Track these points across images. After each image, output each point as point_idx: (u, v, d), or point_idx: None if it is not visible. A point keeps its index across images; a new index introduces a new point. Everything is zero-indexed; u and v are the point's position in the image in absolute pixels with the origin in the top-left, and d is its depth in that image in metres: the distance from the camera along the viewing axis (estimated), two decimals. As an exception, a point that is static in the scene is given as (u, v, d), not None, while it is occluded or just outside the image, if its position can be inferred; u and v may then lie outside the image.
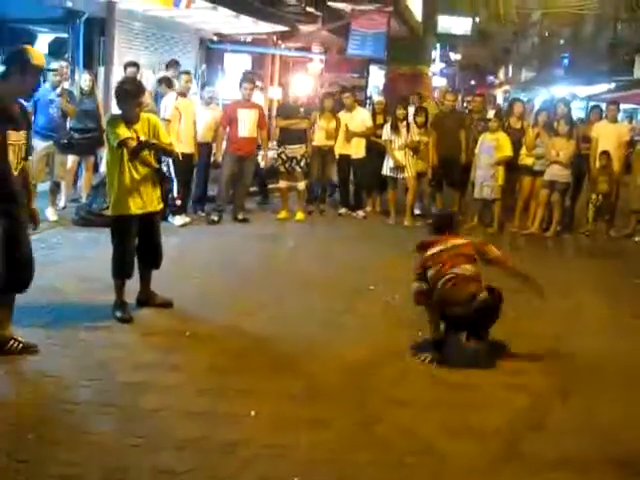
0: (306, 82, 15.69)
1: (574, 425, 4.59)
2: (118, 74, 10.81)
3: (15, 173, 4.93)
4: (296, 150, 10.59)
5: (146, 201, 6.06)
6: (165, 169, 9.36)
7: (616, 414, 4.78)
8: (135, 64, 10.60)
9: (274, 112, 13.87)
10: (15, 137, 4.90)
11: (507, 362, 5.59)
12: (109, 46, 11.55)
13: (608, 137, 10.91)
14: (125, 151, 5.82)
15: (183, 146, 9.73)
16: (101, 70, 11.75)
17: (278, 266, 8.08)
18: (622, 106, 15.89)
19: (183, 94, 9.98)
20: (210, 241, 9.27)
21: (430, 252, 5.76)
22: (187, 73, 10.41)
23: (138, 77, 10.07)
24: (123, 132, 5.79)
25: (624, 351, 6.02)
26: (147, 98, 9.05)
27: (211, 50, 16.16)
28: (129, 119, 5.95)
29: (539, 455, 4.18)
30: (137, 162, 5.90)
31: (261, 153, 10.83)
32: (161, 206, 6.36)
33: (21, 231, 5.00)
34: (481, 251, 5.84)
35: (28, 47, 5.18)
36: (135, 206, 5.98)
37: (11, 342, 5.10)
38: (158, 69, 12.84)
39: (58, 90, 9.54)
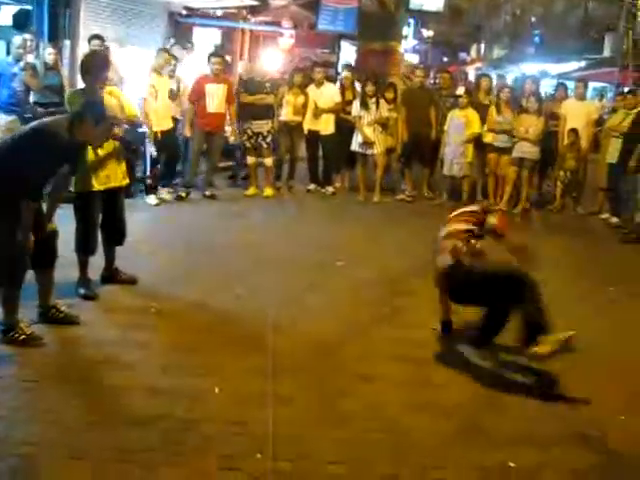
0: (276, 57, 15.59)
1: (535, 401, 4.62)
2: (84, 48, 10.60)
3: None
4: (262, 125, 10.52)
5: (110, 176, 5.97)
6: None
7: (577, 389, 4.81)
8: (100, 37, 10.34)
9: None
10: None
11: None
12: (74, 19, 11.32)
13: (576, 115, 10.95)
14: None
15: (163, 123, 9.67)
16: (67, 43, 11.51)
17: (245, 242, 8.02)
18: (592, 84, 16.04)
19: (158, 71, 9.85)
20: (177, 217, 9.20)
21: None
22: (165, 51, 10.27)
23: (104, 50, 9.89)
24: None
25: (586, 327, 6.05)
26: (112, 73, 8.96)
27: (180, 24, 15.92)
28: (92, 94, 5.84)
29: (500, 430, 4.21)
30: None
31: (229, 128, 10.71)
32: (126, 181, 6.28)
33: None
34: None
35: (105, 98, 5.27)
36: (98, 182, 5.89)
37: (52, 310, 5.28)
38: (125, 42, 12.63)
39: (22, 64, 9.36)
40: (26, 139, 4.88)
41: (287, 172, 11.57)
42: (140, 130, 9.19)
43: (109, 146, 5.90)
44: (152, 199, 9.67)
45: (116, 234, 6.20)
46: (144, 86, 9.70)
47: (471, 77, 33.64)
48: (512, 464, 3.85)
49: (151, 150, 9.71)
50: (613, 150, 10.31)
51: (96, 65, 5.99)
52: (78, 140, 5.00)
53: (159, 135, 9.65)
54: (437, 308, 5.62)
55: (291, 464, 3.72)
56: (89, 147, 5.54)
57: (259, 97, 10.50)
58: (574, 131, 10.78)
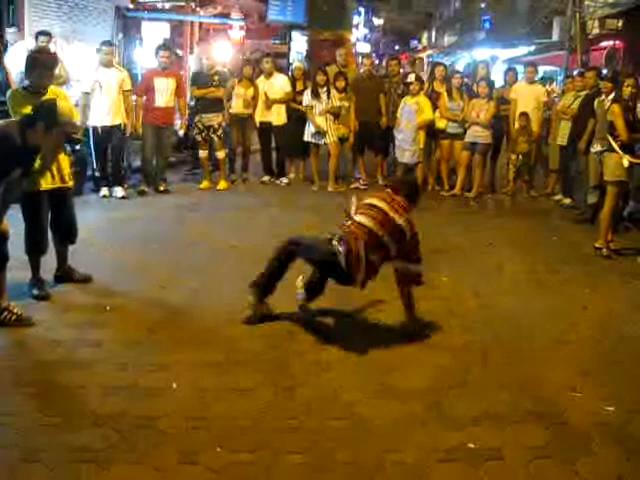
0: (226, 49, 15.48)
1: (493, 381, 4.67)
2: (29, 43, 10.41)
3: None
4: (212, 119, 10.47)
5: (56, 176, 5.87)
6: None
7: (532, 368, 4.89)
8: (47, 33, 10.20)
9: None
10: None
11: (427, 320, 5.65)
12: (19, 13, 11.12)
13: (526, 98, 11.08)
14: None
15: (106, 118, 9.56)
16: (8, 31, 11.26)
17: (199, 236, 7.97)
18: (542, 68, 16.20)
19: (105, 65, 9.73)
20: (130, 213, 9.09)
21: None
22: (107, 45, 10.12)
23: (52, 47, 9.73)
24: (26, 110, 5.53)
25: (541, 307, 6.17)
26: (61, 70, 8.82)
27: (128, 18, 15.72)
28: (36, 92, 5.73)
29: (460, 412, 4.24)
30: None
31: (178, 122, 10.64)
32: (72, 182, 6.18)
33: None
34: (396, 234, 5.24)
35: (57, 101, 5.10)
36: (45, 182, 5.79)
37: (5, 313, 5.18)
38: (72, 39, 12.43)
39: (-38, 59, 9.16)
40: None
41: (240, 164, 11.51)
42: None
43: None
44: (102, 191, 9.71)
45: (67, 233, 6.11)
46: (87, 81, 9.59)
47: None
48: (471, 444, 3.88)
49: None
50: (563, 133, 10.44)
51: (44, 62, 5.89)
52: (30, 144, 4.92)
53: (99, 130, 9.53)
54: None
55: (251, 455, 3.70)
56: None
57: (208, 90, 10.44)
58: (525, 114, 10.90)
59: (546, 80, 19.29)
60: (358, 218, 5.26)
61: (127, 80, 9.92)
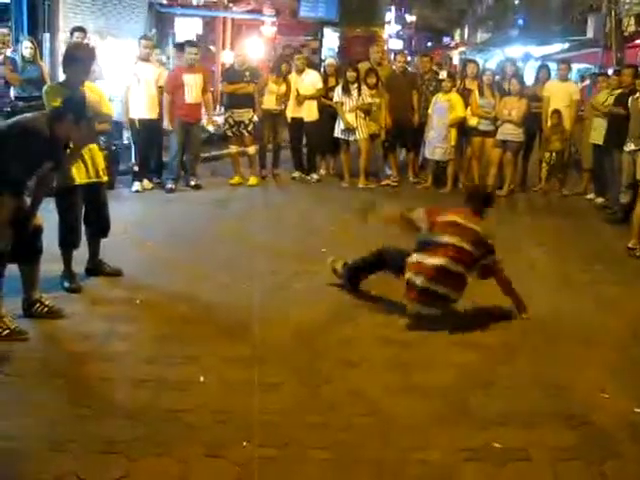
0: (258, 46, 15.54)
1: (520, 381, 4.64)
2: (64, 40, 10.54)
3: None
4: (243, 114, 10.50)
5: (91, 171, 5.94)
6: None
7: (561, 369, 4.85)
8: (82, 29, 10.31)
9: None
10: None
11: (457, 319, 5.64)
12: (54, 11, 11.22)
13: (559, 96, 10.95)
14: None
15: (143, 112, 9.69)
16: (46, 37, 11.42)
17: (230, 232, 8.01)
18: (576, 66, 16.01)
19: (143, 59, 9.87)
20: (162, 208, 9.18)
21: (440, 219, 5.77)
22: (146, 38, 10.25)
23: (88, 43, 9.85)
24: (56, 103, 5.60)
25: (571, 307, 6.10)
26: (95, 66, 8.92)
27: (161, 14, 15.83)
28: (73, 87, 5.79)
29: (486, 411, 4.22)
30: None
31: (206, 118, 10.69)
32: (106, 178, 6.25)
33: None
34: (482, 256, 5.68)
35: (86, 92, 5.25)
36: (80, 176, 5.86)
37: (37, 305, 5.26)
38: (106, 34, 12.55)
39: (0, 58, 9.28)
40: (6, 135, 4.86)
41: (271, 160, 11.54)
42: (117, 121, 9.21)
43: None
44: (135, 186, 9.81)
45: (100, 227, 6.18)
46: (126, 74, 9.73)
47: (455, 61, 33.63)
48: (497, 444, 3.86)
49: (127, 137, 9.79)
50: (597, 131, 10.32)
51: (82, 57, 5.96)
52: (59, 137, 4.98)
53: (137, 124, 9.68)
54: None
55: (277, 450, 3.72)
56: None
57: (239, 86, 10.48)
58: (557, 112, 10.79)
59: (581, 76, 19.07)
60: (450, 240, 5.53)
61: (163, 76, 10.04)
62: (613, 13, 18.54)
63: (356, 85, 10.84)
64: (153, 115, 9.88)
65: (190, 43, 10.65)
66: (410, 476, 3.59)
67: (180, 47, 10.99)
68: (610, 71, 13.01)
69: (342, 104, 10.85)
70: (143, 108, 9.79)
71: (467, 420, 4.13)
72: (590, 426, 4.11)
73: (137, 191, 9.80)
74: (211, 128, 11.13)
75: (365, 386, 4.46)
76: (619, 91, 9.99)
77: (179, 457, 3.61)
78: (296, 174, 11.49)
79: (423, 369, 4.76)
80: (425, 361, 4.90)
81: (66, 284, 5.90)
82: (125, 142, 10.40)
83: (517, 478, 3.60)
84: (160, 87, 9.94)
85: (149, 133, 9.96)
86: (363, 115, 10.83)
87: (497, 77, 11.53)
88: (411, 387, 4.48)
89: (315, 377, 4.56)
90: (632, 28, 19.76)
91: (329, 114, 11.20)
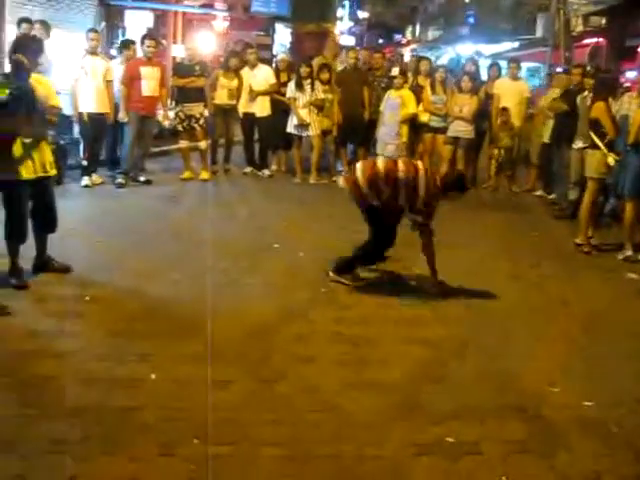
0: (210, 40, 15.41)
1: (472, 375, 4.68)
2: (11, 32, 10.30)
3: None
4: (193, 108, 10.43)
5: (37, 165, 5.81)
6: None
7: (511, 363, 4.90)
8: (29, 20, 10.10)
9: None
10: None
11: (408, 314, 5.67)
12: (1, 2, 10.95)
13: (509, 94, 11.08)
14: None
15: (92, 105, 9.54)
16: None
17: (181, 227, 7.93)
18: (526, 64, 16.23)
19: (91, 52, 9.71)
20: (112, 203, 9.04)
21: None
22: (93, 31, 10.08)
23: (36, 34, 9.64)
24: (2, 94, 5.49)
25: (521, 302, 6.19)
26: (42, 58, 8.74)
27: (111, 7, 15.56)
28: (19, 79, 5.65)
29: (439, 406, 4.24)
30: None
31: (161, 112, 10.57)
32: (54, 171, 6.12)
33: None
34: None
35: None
36: (26, 171, 5.72)
37: None
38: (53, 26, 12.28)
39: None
40: None
41: (223, 155, 11.47)
42: (66, 115, 9.04)
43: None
44: (84, 180, 9.70)
45: (47, 222, 6.06)
46: (74, 68, 9.59)
47: (407, 58, 33.79)
48: (450, 439, 3.88)
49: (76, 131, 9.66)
50: (547, 129, 10.45)
51: (30, 49, 5.83)
52: (4, 129, 4.86)
53: (85, 116, 9.54)
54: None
55: (230, 447, 3.68)
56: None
57: (189, 80, 10.40)
58: (506, 109, 10.91)
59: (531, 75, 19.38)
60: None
61: (110, 70, 9.89)
62: (562, 13, 18.84)
63: (309, 81, 10.83)
64: (102, 109, 9.72)
65: (147, 36, 10.53)
66: (364, 471, 3.58)
67: (124, 45, 10.82)
68: (559, 69, 13.20)
69: (295, 99, 10.83)
70: (91, 102, 9.64)
71: (420, 415, 4.15)
72: (540, 420, 4.15)
73: (86, 186, 9.66)
74: (166, 123, 11.00)
75: (319, 382, 4.45)
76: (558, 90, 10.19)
77: (131, 456, 3.55)
78: (248, 169, 11.44)
79: (376, 365, 4.77)
80: (378, 357, 4.90)
81: (13, 281, 5.78)
82: (75, 136, 10.22)
83: (469, 472, 3.62)
84: (108, 81, 9.79)
85: (98, 127, 9.81)
86: (316, 111, 10.82)
87: (449, 74, 11.61)
88: (365, 383, 4.49)
89: (268, 373, 4.54)
90: (580, 28, 20.12)
91: (281, 109, 11.18)
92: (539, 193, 11.01)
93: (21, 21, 9.98)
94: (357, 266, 6.34)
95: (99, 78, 9.68)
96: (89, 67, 9.63)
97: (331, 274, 6.30)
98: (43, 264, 6.16)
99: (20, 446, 3.57)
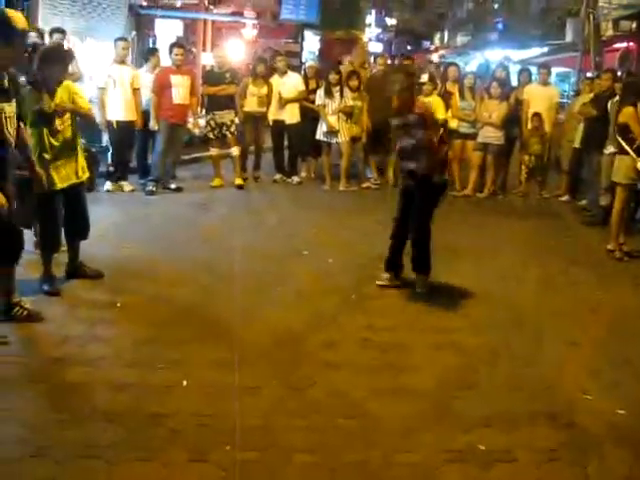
0: (239, 48, 15.49)
1: (503, 382, 4.65)
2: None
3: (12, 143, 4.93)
4: (224, 116, 10.48)
5: (69, 173, 5.89)
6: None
7: (543, 370, 4.86)
8: (62, 30, 10.23)
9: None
10: (9, 109, 4.86)
11: (438, 321, 5.65)
12: (33, 11, 11.13)
13: (539, 99, 11.02)
14: (42, 121, 5.63)
15: (120, 113, 9.65)
16: (26, 36, 11.30)
17: (210, 234, 7.98)
18: (555, 69, 16.10)
19: (119, 61, 9.83)
20: (143, 210, 9.11)
21: None
22: (123, 40, 10.20)
23: (65, 44, 9.78)
24: (39, 102, 5.58)
25: (552, 309, 6.13)
26: (74, 67, 8.87)
27: (141, 16, 15.73)
28: (48, 87, 5.73)
29: (470, 413, 4.21)
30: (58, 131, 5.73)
31: (191, 120, 10.65)
32: (86, 175, 6.20)
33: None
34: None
35: (7, 11, 4.97)
36: (59, 180, 5.79)
37: (16, 308, 5.18)
38: (85, 36, 12.45)
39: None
40: None
41: (253, 163, 11.52)
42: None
43: (65, 142, 5.82)
44: (107, 185, 9.87)
45: (79, 228, 6.12)
46: (101, 76, 9.77)
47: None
48: (481, 446, 3.85)
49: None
50: (578, 134, 10.38)
51: (58, 58, 5.90)
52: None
53: (114, 124, 9.65)
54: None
55: (259, 454, 3.69)
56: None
57: (220, 88, 10.45)
58: (537, 115, 10.85)
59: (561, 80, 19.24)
60: None
61: (138, 78, 9.99)
62: (591, 17, 18.68)
63: (338, 88, 10.85)
64: (130, 117, 9.83)
65: (176, 44, 10.60)
66: (394, 478, 3.57)
67: (150, 53, 10.96)
68: (589, 74, 13.10)
69: (324, 106, 10.85)
70: (120, 110, 9.76)
71: (451, 422, 4.12)
72: (573, 427, 4.11)
73: (108, 190, 9.81)
74: (196, 131, 11.10)
75: (348, 388, 4.44)
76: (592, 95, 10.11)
77: (162, 462, 3.57)
78: (277, 177, 11.48)
79: (406, 371, 4.75)
80: (408, 363, 4.89)
81: (45, 287, 5.83)
82: (104, 144, 10.34)
83: (501, 480, 3.60)
84: (135, 89, 9.89)
85: (126, 134, 9.92)
86: (345, 118, 10.83)
87: (478, 80, 11.57)
88: (395, 389, 4.47)
89: (298, 380, 4.54)
90: (610, 32, 19.94)
91: (310, 117, 11.21)
92: (565, 198, 10.93)
93: (53, 31, 10.12)
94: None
95: (127, 86, 9.79)
96: (117, 75, 9.75)
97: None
98: (75, 270, 6.22)
99: (54, 451, 3.61)
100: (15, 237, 5.11)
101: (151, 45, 14.97)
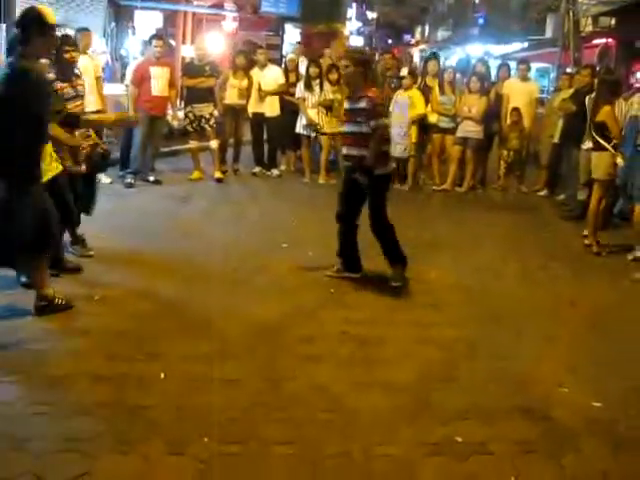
0: (219, 40, 15.43)
1: (481, 376, 4.68)
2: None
3: None
4: (203, 109, 10.46)
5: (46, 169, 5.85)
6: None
7: (520, 364, 4.90)
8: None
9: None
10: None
11: (417, 315, 5.68)
12: (11, 1, 11.03)
13: (519, 94, 11.08)
14: None
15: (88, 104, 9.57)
16: (2, 27, 11.19)
17: (190, 227, 7.95)
18: (535, 65, 16.17)
19: (84, 52, 9.70)
20: (121, 203, 9.06)
21: None
22: (85, 30, 10.07)
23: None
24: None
25: (530, 303, 6.18)
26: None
27: (121, 7, 15.63)
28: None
29: (448, 406, 4.24)
30: None
31: (170, 112, 10.60)
32: (60, 168, 6.14)
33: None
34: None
35: (39, 7, 5.23)
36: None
37: (56, 300, 5.29)
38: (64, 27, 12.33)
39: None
40: None
41: (232, 155, 11.48)
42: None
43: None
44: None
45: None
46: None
47: (416, 59, 33.80)
48: (459, 439, 3.89)
49: None
50: (558, 129, 10.45)
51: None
52: None
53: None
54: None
55: (239, 446, 3.69)
56: None
57: (199, 80, 10.42)
58: (516, 110, 10.91)
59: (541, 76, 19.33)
60: None
61: (99, 67, 9.93)
62: (571, 13, 18.77)
63: (318, 81, 10.84)
64: (96, 107, 9.63)
65: (156, 36, 10.53)
66: (374, 471, 3.59)
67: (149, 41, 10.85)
68: (568, 70, 13.17)
69: (304, 100, 10.85)
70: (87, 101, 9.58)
71: (429, 415, 4.15)
72: (549, 420, 4.16)
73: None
74: (175, 123, 11.03)
75: (328, 381, 4.45)
76: (573, 90, 10.16)
77: (141, 454, 3.56)
78: (257, 169, 11.47)
79: (385, 365, 4.77)
80: (387, 357, 4.91)
81: (23, 279, 5.79)
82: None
83: (478, 472, 3.62)
84: (97, 77, 9.68)
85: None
86: (325, 111, 10.83)
87: (458, 75, 11.60)
88: (374, 382, 4.49)
89: (277, 373, 4.55)
90: (589, 28, 20.04)
91: (290, 110, 11.20)
92: (543, 193, 11.01)
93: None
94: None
95: (90, 76, 9.60)
96: (80, 65, 9.57)
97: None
98: (55, 264, 6.17)
99: (31, 443, 3.59)
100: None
101: (131, 36, 14.88)
